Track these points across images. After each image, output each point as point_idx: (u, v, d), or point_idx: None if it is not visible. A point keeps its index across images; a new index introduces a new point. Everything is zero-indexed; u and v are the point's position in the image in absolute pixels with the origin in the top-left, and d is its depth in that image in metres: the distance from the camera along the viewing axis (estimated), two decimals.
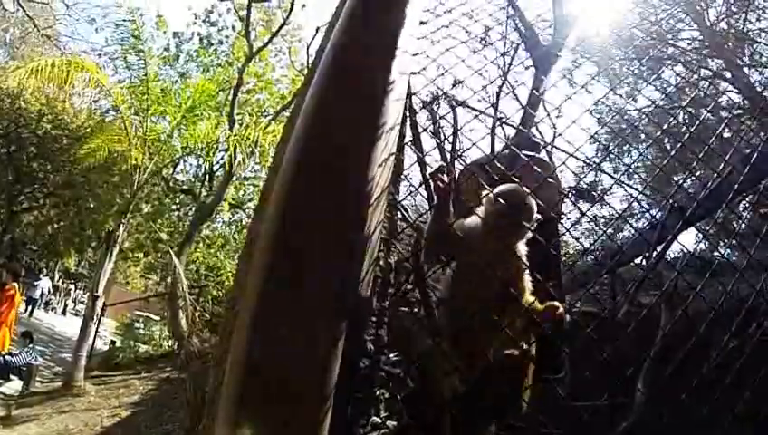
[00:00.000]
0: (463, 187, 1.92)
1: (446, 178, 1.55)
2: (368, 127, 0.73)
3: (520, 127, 2.48)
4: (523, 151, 2.24)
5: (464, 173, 2.73)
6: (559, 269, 2.67)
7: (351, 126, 0.74)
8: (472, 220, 1.65)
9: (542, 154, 3.28)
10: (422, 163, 1.74)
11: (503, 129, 3.18)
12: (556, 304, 1.58)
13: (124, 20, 8.94)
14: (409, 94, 1.41)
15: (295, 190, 0.70)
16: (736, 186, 2.68)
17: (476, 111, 2.27)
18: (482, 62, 2.04)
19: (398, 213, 1.35)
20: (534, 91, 2.53)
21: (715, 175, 2.99)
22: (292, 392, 0.56)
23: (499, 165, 1.72)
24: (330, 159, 0.70)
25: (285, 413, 0.55)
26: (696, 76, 9.32)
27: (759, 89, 7.96)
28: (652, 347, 3.28)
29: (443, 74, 1.59)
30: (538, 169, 1.74)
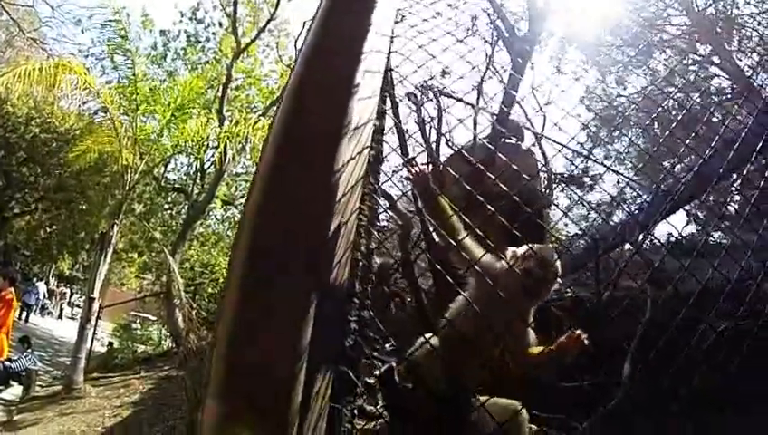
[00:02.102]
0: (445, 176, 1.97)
1: (422, 166, 1.57)
2: (333, 126, 0.78)
3: (502, 115, 2.52)
4: (505, 138, 2.29)
5: (447, 162, 2.78)
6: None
7: (317, 125, 0.79)
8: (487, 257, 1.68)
9: (527, 141, 3.34)
10: (405, 151, 1.78)
11: (490, 119, 3.23)
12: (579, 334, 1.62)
13: (110, 20, 8.85)
14: (386, 89, 1.45)
15: (270, 180, 0.74)
16: (721, 169, 2.74)
17: (460, 99, 2.31)
18: (465, 52, 2.07)
19: (380, 200, 1.40)
20: (514, 73, 2.57)
21: (701, 159, 3.04)
22: (264, 371, 0.60)
23: (480, 152, 1.77)
24: (299, 155, 0.76)
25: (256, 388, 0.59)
26: (684, 62, 9.39)
27: (747, 73, 8.03)
28: (639, 328, 3.36)
29: (421, 67, 1.62)
30: (521, 156, 1.80)
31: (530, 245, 1.69)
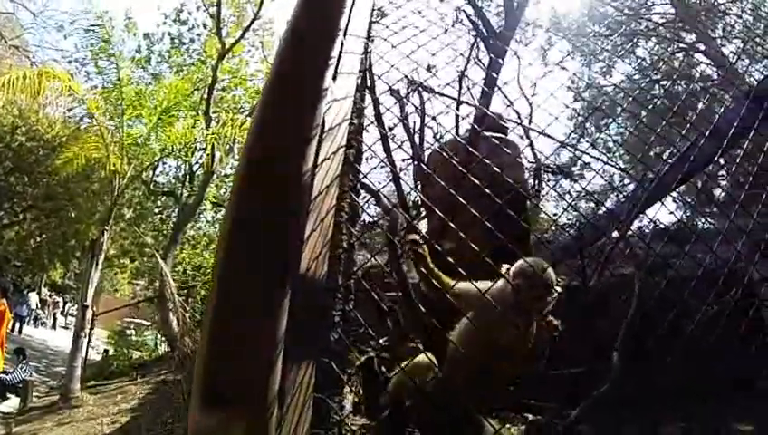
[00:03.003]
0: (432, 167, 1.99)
1: (416, 236, 1.61)
2: (301, 128, 0.81)
3: (483, 104, 2.55)
4: (488, 131, 2.32)
5: (432, 155, 2.81)
6: (528, 240, 2.78)
7: (286, 128, 0.82)
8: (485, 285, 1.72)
9: (511, 132, 3.38)
10: (386, 147, 1.80)
11: (473, 108, 3.26)
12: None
13: (93, 25, 8.79)
14: (364, 88, 1.48)
15: (245, 181, 0.77)
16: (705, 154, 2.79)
17: (441, 94, 2.33)
18: (444, 46, 2.09)
19: (365, 195, 1.43)
20: (491, 72, 2.59)
21: (687, 144, 3.09)
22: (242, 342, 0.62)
23: (462, 145, 1.79)
24: (270, 156, 0.79)
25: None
26: (670, 49, 9.48)
27: (731, 60, 8.13)
28: (628, 313, 3.41)
29: (400, 61, 1.65)
30: (505, 148, 1.82)
31: (521, 260, 1.72)
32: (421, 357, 1.64)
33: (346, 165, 1.23)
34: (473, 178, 1.62)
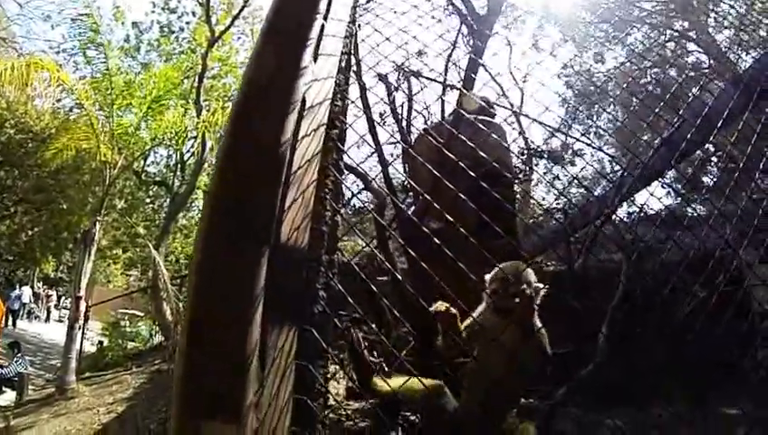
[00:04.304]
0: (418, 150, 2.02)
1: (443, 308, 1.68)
2: (280, 104, 0.85)
3: (466, 87, 2.56)
4: (473, 113, 2.34)
5: (419, 138, 2.84)
6: (514, 223, 2.82)
7: (265, 104, 0.86)
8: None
9: (498, 117, 3.40)
10: (372, 129, 1.82)
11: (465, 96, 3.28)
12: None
13: (81, 14, 8.67)
14: (347, 70, 1.50)
15: (228, 157, 0.80)
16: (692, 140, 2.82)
17: (429, 79, 2.35)
18: (427, 29, 2.10)
19: (344, 174, 1.45)
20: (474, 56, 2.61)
21: (674, 129, 3.12)
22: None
23: (446, 127, 1.81)
24: (248, 127, 0.82)
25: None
26: (662, 37, 9.49)
27: (723, 49, 8.15)
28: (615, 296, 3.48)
29: (382, 44, 1.66)
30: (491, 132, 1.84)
31: (499, 265, 1.77)
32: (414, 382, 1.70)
33: (329, 143, 1.27)
34: (455, 159, 1.65)
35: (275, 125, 0.80)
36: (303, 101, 1.06)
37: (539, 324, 1.73)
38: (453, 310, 1.72)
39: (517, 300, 1.71)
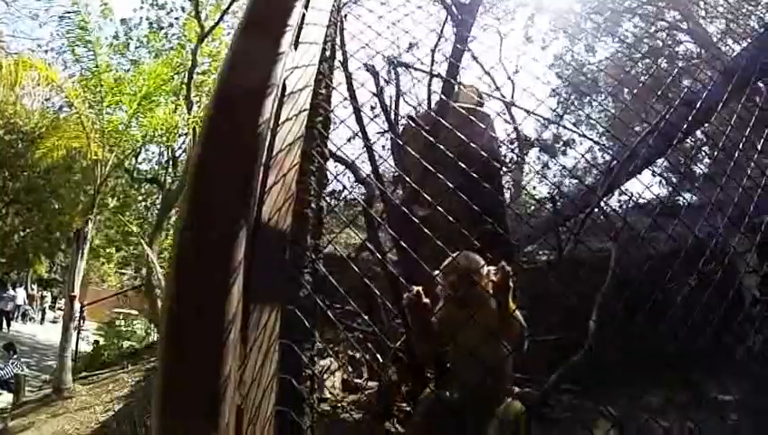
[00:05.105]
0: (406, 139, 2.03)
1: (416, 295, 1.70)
2: (258, 87, 0.87)
3: (451, 73, 2.57)
4: (461, 103, 2.36)
5: (406, 127, 2.85)
6: (503, 212, 2.85)
7: (244, 85, 0.88)
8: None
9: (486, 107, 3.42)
10: (359, 118, 1.83)
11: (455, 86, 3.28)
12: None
13: (68, 11, 8.59)
14: (330, 58, 1.51)
15: (206, 130, 0.82)
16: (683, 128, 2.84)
17: (415, 69, 2.36)
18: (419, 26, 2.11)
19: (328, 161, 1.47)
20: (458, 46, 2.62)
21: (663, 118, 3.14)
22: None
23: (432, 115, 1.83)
24: (229, 110, 0.84)
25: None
26: (653, 28, 9.52)
27: (714, 39, 8.19)
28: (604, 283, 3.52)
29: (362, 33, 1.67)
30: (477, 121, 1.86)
31: (452, 257, 1.78)
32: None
33: (313, 129, 1.29)
34: (440, 147, 1.66)
35: (254, 105, 0.82)
36: (284, 86, 1.09)
37: (513, 306, 1.75)
38: (425, 298, 1.73)
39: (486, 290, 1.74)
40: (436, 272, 1.81)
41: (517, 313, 1.75)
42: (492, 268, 1.79)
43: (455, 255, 1.75)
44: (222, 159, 0.76)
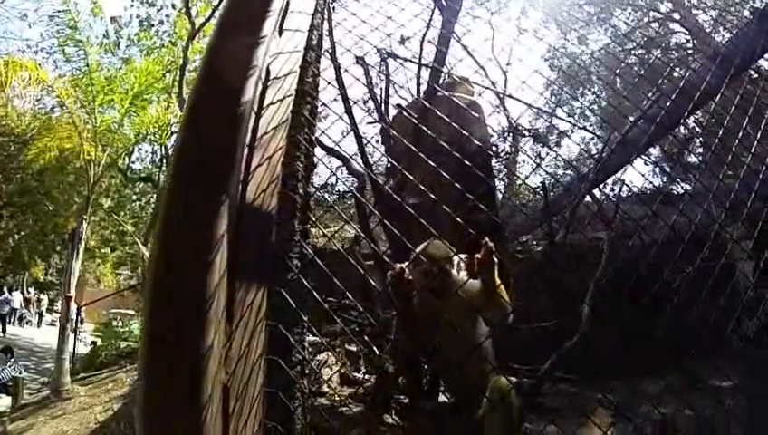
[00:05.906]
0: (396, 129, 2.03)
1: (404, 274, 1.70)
2: (238, 71, 0.88)
3: (438, 61, 2.58)
4: (450, 92, 2.36)
5: (396, 116, 2.86)
6: (494, 199, 2.86)
7: (226, 69, 0.89)
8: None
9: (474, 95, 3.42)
10: (348, 107, 1.83)
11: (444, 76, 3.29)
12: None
13: (58, 11, 8.51)
14: (315, 46, 1.52)
15: (189, 113, 0.83)
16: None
17: (403, 59, 2.36)
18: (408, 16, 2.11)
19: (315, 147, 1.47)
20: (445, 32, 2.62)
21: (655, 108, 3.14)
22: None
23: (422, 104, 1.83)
24: (211, 91, 0.85)
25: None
26: (646, 19, 9.54)
27: (707, 29, 8.21)
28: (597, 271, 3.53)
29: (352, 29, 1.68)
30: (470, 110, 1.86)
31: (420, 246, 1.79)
32: None
33: (300, 117, 1.30)
34: (429, 132, 1.67)
35: (235, 85, 0.83)
36: (268, 71, 1.09)
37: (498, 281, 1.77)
38: (408, 275, 1.73)
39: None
40: (406, 263, 1.82)
41: (502, 289, 1.76)
42: (463, 256, 1.80)
43: (423, 245, 1.77)
44: (203, 134, 0.77)
